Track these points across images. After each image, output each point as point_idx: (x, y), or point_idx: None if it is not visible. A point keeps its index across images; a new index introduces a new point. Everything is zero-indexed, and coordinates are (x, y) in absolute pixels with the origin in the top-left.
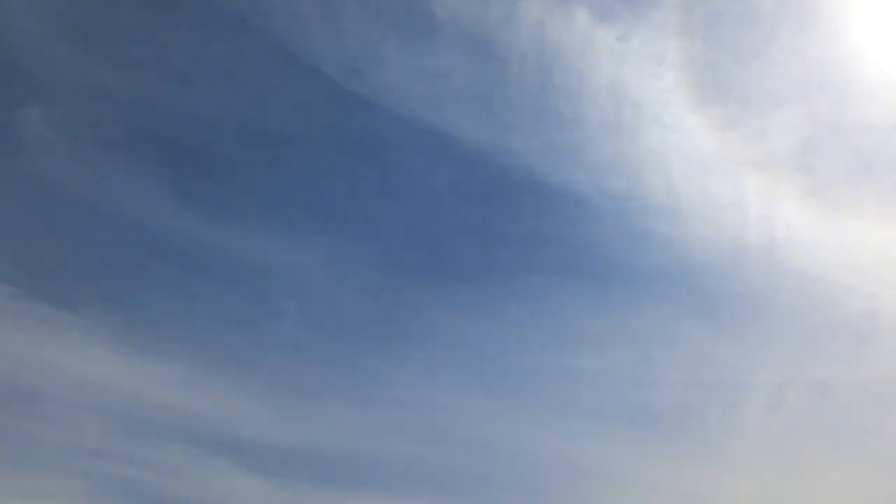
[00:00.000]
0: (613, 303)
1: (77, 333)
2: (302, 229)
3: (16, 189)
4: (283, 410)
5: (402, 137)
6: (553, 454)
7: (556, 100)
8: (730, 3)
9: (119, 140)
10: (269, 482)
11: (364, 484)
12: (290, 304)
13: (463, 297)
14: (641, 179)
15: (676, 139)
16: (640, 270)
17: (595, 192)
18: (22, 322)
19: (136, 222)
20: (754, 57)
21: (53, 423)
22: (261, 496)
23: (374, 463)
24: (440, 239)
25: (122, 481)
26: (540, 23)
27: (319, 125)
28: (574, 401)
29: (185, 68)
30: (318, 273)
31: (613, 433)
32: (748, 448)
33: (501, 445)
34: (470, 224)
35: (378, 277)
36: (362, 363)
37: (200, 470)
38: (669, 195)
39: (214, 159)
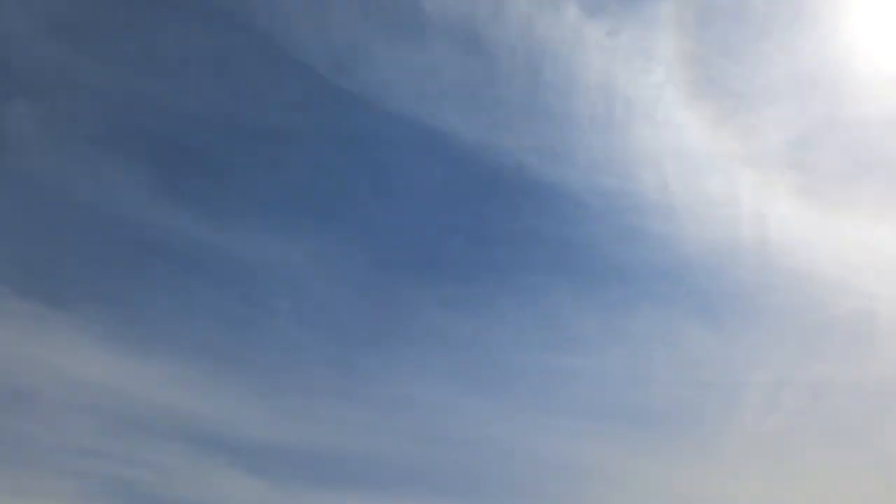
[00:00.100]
0: (607, 301)
1: (69, 332)
2: (293, 227)
3: (4, 186)
4: (276, 409)
5: (392, 134)
6: (546, 453)
7: (547, 96)
8: None
9: (108, 137)
10: (263, 481)
11: (358, 483)
12: (283, 303)
13: (456, 296)
14: (633, 177)
15: (668, 136)
16: (634, 269)
17: (587, 189)
18: (13, 321)
19: (127, 220)
20: (746, 52)
21: (46, 422)
22: (255, 495)
23: (369, 462)
24: (432, 236)
25: (115, 480)
26: (528, 18)
27: (309, 122)
28: (568, 400)
29: (173, 64)
30: (310, 271)
31: (608, 432)
32: (744, 447)
33: (496, 444)
34: (462, 222)
35: (370, 275)
36: (356, 362)
37: (194, 469)
38: (662, 193)
39: (204, 156)
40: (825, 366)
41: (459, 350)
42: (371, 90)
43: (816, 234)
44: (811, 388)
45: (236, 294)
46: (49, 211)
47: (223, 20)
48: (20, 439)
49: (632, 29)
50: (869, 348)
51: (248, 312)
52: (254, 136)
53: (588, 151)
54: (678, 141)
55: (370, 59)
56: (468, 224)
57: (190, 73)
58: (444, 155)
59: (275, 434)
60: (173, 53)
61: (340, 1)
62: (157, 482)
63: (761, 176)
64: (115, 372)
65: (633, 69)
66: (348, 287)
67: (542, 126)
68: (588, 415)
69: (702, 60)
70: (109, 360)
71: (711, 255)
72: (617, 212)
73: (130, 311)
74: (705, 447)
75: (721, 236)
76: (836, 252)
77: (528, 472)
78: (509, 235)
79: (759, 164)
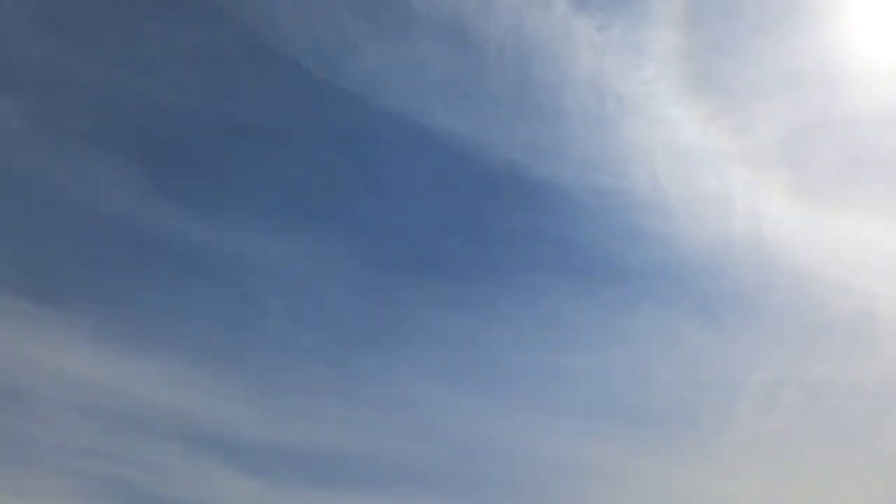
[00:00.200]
0: (604, 300)
1: (59, 330)
2: (283, 224)
3: None
4: (274, 409)
5: (382, 131)
6: (545, 453)
7: (537, 92)
8: None
9: (97, 133)
10: (260, 481)
11: (356, 483)
12: (275, 301)
13: (453, 295)
14: (626, 174)
15: (660, 132)
16: (631, 268)
17: (580, 187)
18: (6, 320)
19: (116, 217)
20: (739, 47)
21: (37, 420)
22: (252, 495)
23: (367, 462)
24: (425, 234)
25: (111, 480)
26: (517, 13)
27: (299, 118)
28: (567, 399)
29: (160, 61)
30: (302, 269)
31: (604, 431)
32: (743, 447)
33: (492, 444)
34: (457, 220)
35: (366, 274)
36: (353, 361)
37: (191, 468)
38: (655, 190)
39: (193, 153)
40: (824, 365)
41: (456, 349)
42: (360, 86)
43: (812, 232)
44: (811, 388)
45: (228, 292)
46: (36, 207)
47: (210, 16)
48: (14, 439)
49: (622, 24)
50: (867, 348)
51: (240, 310)
52: (244, 133)
53: (580, 148)
54: (671, 137)
55: (358, 55)
56: (463, 222)
57: (177, 69)
58: (435, 151)
59: (272, 434)
60: (160, 50)
61: None
62: (153, 482)
63: (755, 172)
64: (111, 371)
65: (623, 65)
66: (344, 286)
67: (532, 122)
68: (587, 414)
69: (694, 56)
70: (99, 358)
71: (707, 254)
72: (611, 210)
73: (120, 310)
74: (705, 447)
75: (716, 234)
76: (832, 250)
77: (527, 472)
78: (504, 234)
79: (752, 161)
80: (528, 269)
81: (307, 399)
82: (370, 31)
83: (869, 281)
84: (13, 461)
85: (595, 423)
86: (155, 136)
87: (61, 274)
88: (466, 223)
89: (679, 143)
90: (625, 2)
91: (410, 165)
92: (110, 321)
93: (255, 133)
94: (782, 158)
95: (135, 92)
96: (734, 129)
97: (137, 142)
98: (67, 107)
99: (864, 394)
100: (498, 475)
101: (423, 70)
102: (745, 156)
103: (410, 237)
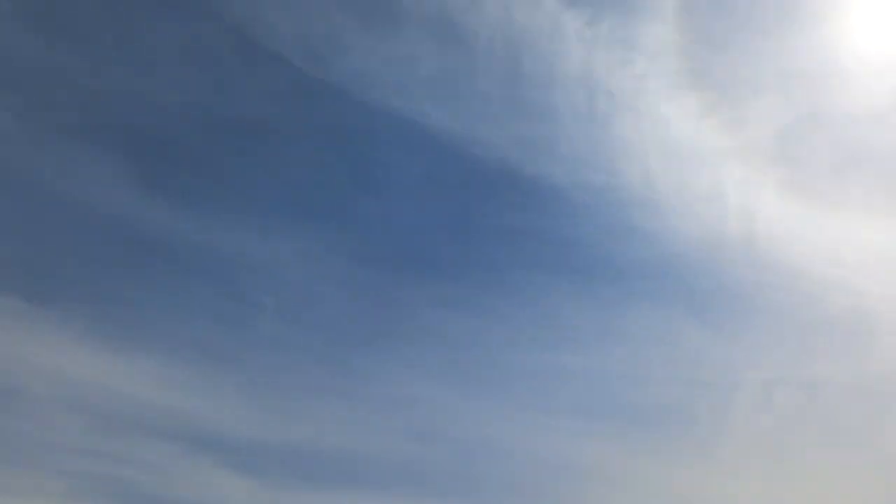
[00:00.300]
0: (600, 299)
1: (52, 329)
2: (275, 220)
3: None
4: (267, 408)
5: (371, 126)
6: (540, 452)
7: (526, 88)
8: None
9: (86, 130)
10: (253, 480)
11: (350, 482)
12: (268, 299)
13: (444, 292)
14: (618, 171)
15: (653, 128)
16: (624, 266)
17: (572, 184)
18: None
19: (106, 214)
20: (731, 42)
21: (30, 420)
22: (246, 494)
23: (361, 461)
24: (418, 232)
25: (103, 479)
26: (506, 7)
27: (287, 114)
28: (565, 399)
29: (147, 56)
30: (294, 266)
31: (600, 430)
32: (736, 445)
33: (490, 443)
34: (448, 217)
35: (359, 272)
36: (346, 359)
37: (183, 468)
38: (647, 187)
39: (182, 149)
40: (820, 364)
41: (451, 347)
42: (348, 82)
43: (807, 230)
44: (807, 387)
45: (220, 289)
46: (30, 206)
47: (200, 13)
48: (8, 438)
49: (612, 18)
50: (864, 346)
51: (231, 308)
52: (232, 127)
53: (571, 145)
54: (663, 134)
55: (347, 51)
56: (455, 220)
57: (167, 66)
58: (425, 148)
59: (268, 433)
60: (150, 47)
61: None
62: (147, 481)
63: (748, 170)
64: (105, 370)
65: (613, 60)
66: (336, 284)
67: (523, 119)
68: (580, 412)
69: (686, 51)
70: (91, 357)
71: (701, 252)
72: (604, 207)
73: (110, 308)
74: (704, 446)
75: (709, 232)
76: (826, 248)
77: (525, 471)
78: (498, 232)
79: (745, 158)
80: (522, 268)
81: (302, 398)
82: (359, 27)
83: (864, 279)
84: (6, 460)
85: (592, 423)
86: (146, 133)
87: (54, 273)
88: (459, 221)
89: (672, 140)
90: None
91: (401, 162)
92: (104, 320)
93: (245, 130)
94: (776, 155)
95: (125, 89)
96: (727, 126)
97: (128, 139)
98: (58, 104)
99: (862, 392)
100: (496, 475)
101: (412, 66)
102: (739, 153)
103: (402, 235)
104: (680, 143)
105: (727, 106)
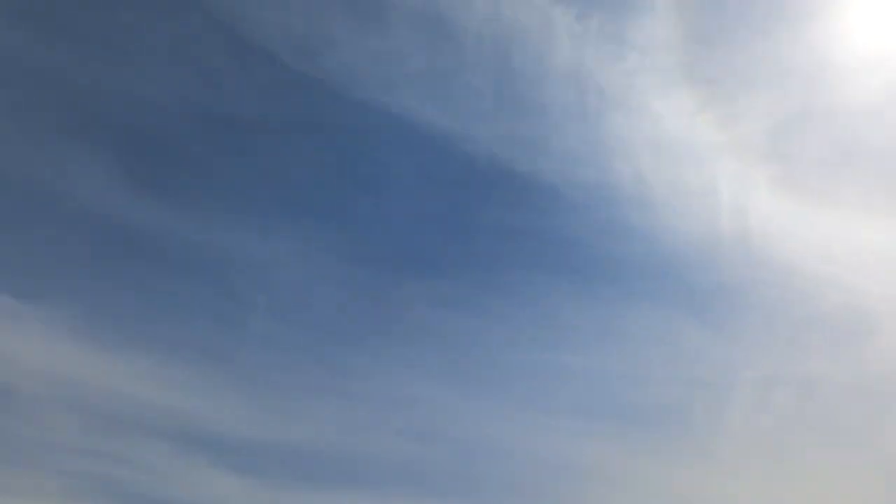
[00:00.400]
0: (592, 297)
1: (41, 327)
2: (266, 218)
3: None
4: (261, 407)
5: (360, 123)
6: (538, 451)
7: (516, 84)
8: None
9: (74, 127)
10: (248, 479)
11: (346, 481)
12: (260, 297)
13: (438, 290)
14: (610, 168)
15: (644, 125)
16: (621, 264)
17: (564, 182)
18: None
19: (95, 211)
20: (723, 37)
21: (20, 418)
22: (240, 493)
23: (356, 460)
24: (410, 229)
25: (94, 477)
26: (495, 2)
27: (276, 110)
28: (563, 398)
29: (134, 52)
30: (286, 264)
31: (597, 429)
32: (733, 444)
33: (487, 443)
34: (439, 214)
35: (352, 271)
36: (337, 357)
37: (177, 467)
38: (640, 184)
39: (171, 146)
40: (817, 362)
41: (450, 347)
42: (336, 77)
43: (800, 226)
44: (802, 385)
45: (211, 287)
46: (13, 201)
47: (188, 9)
48: (2, 437)
49: (602, 13)
50: (858, 343)
51: (224, 307)
52: (220, 124)
53: (562, 142)
54: (655, 130)
55: (333, 45)
56: (447, 217)
57: (155, 62)
58: (416, 145)
59: (262, 432)
60: (137, 43)
61: None
62: (141, 480)
63: (741, 166)
64: (88, 367)
65: (604, 55)
66: (326, 281)
67: (513, 115)
68: (577, 411)
69: (677, 46)
70: (81, 355)
71: (696, 249)
72: (596, 205)
73: (101, 306)
74: (704, 446)
75: (702, 230)
76: (819, 244)
77: (526, 471)
78: (489, 229)
79: (738, 154)
80: (516, 266)
81: (300, 398)
82: (347, 23)
83: (858, 275)
84: (2, 459)
85: (592, 422)
86: (136, 130)
87: (47, 271)
88: (450, 218)
89: (663, 137)
90: None
91: (391, 159)
92: (94, 318)
93: (237, 127)
94: (769, 152)
95: (115, 87)
96: (720, 122)
97: (119, 137)
98: (49, 102)
99: (858, 390)
100: (496, 475)
101: (399, 61)
102: (732, 149)
103: (395, 232)
104: (673, 140)
105: (720, 102)
